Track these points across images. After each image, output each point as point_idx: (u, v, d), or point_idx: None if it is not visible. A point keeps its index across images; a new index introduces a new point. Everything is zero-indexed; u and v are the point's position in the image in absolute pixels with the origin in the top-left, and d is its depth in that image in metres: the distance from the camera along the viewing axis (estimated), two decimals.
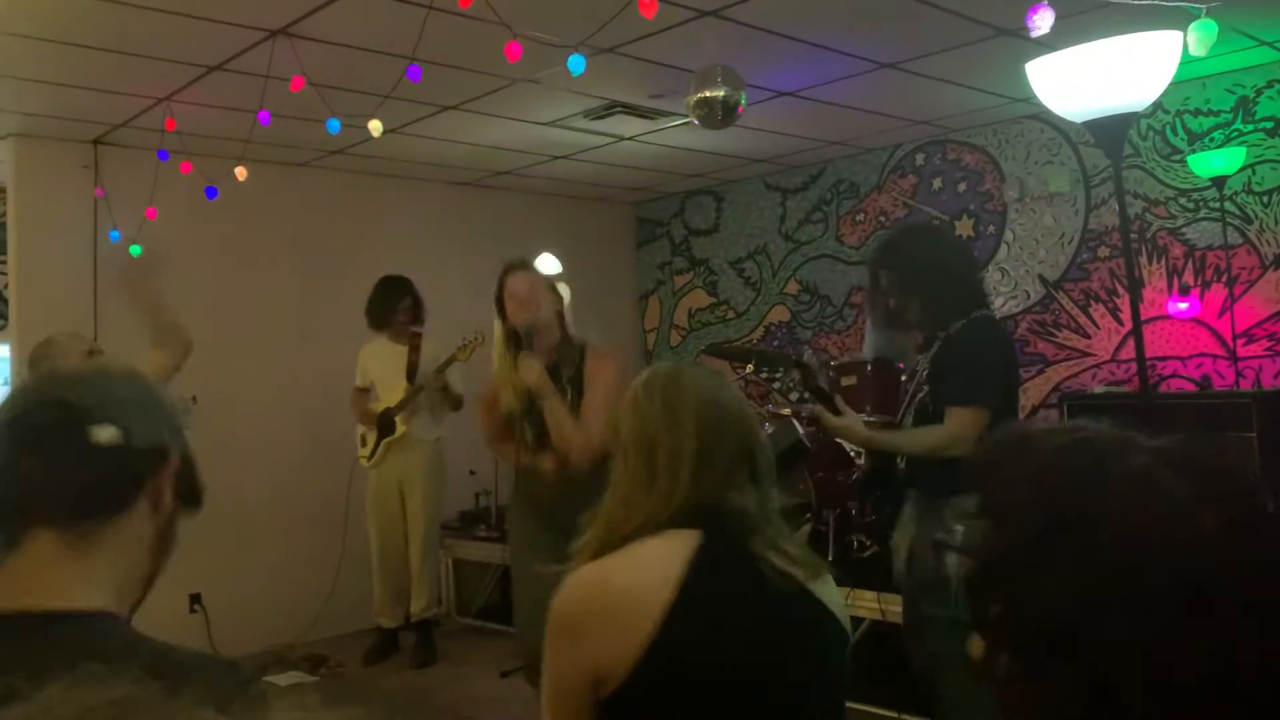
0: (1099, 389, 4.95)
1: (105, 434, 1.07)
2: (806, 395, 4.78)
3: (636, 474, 1.52)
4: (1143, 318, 4.42)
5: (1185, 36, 1.57)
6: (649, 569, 1.41)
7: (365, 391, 5.45)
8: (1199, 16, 1.60)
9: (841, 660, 1.54)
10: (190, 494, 1.19)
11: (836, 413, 2.94)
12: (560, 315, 3.56)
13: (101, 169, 5.27)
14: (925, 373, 2.93)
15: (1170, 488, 0.68)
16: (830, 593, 1.54)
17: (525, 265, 3.67)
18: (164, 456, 1.14)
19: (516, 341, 3.48)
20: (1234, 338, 4.71)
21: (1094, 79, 1.63)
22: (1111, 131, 1.70)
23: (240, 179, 4.20)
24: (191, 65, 4.13)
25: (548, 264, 6.51)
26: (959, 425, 2.74)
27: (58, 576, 1.06)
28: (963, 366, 2.80)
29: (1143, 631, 0.64)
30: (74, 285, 5.21)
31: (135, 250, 5.00)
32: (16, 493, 1.07)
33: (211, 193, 4.54)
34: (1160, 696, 0.64)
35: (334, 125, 3.73)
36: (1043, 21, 1.67)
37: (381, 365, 5.36)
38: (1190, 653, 0.63)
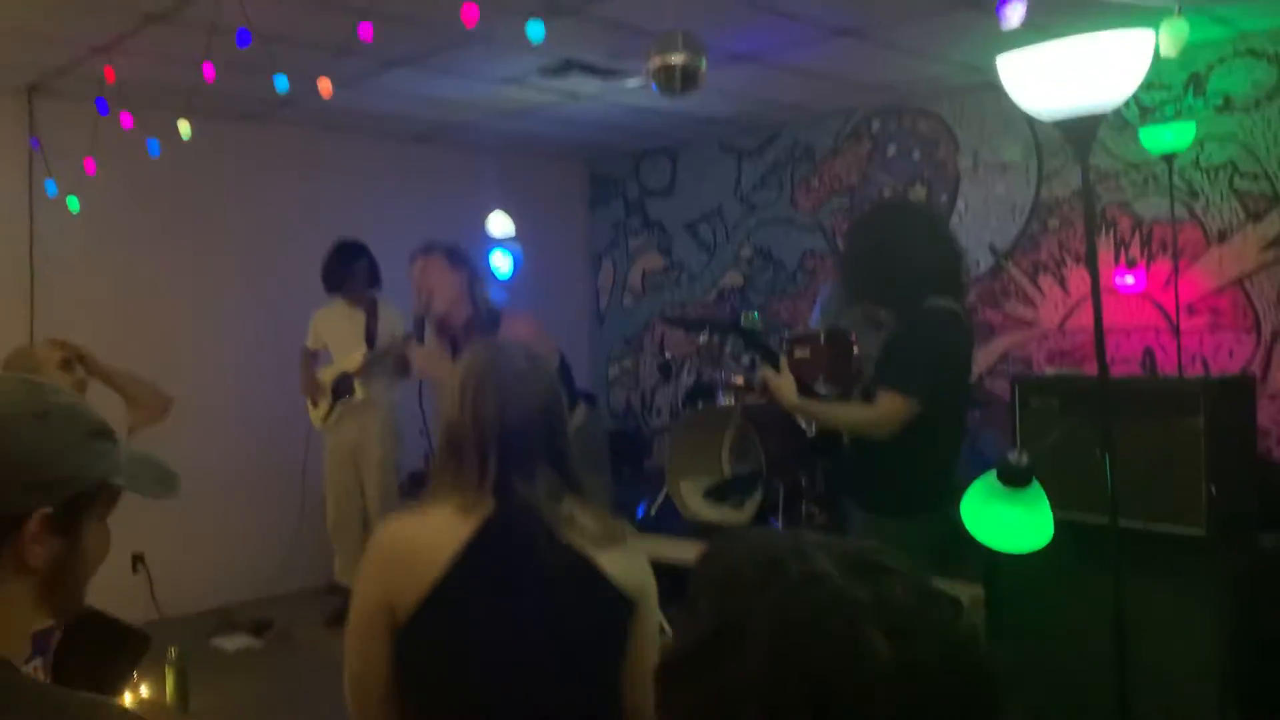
0: (1050, 371, 5.03)
1: None
2: (753, 359, 4.80)
3: (447, 460, 1.69)
4: (1088, 290, 4.50)
5: (1157, 35, 1.58)
6: (442, 530, 1.62)
7: (315, 354, 5.38)
8: (1169, 11, 1.60)
9: (619, 625, 1.68)
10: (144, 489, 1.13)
11: (777, 371, 3.03)
12: (469, 289, 3.69)
13: (36, 118, 5.07)
14: (876, 354, 2.97)
15: (846, 596, 0.69)
16: (624, 562, 1.67)
17: (424, 251, 3.77)
18: (15, 522, 1.03)
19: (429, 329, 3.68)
20: (1177, 312, 4.80)
21: (1066, 78, 1.62)
22: (1081, 131, 1.70)
23: (185, 136, 4.05)
24: (131, 12, 3.97)
25: (500, 223, 6.43)
26: (886, 408, 2.78)
27: None
28: (905, 353, 2.83)
29: None
30: (8, 236, 5.04)
31: (73, 203, 4.84)
32: None
33: (154, 147, 4.39)
34: None
35: (282, 83, 3.61)
36: (1014, 14, 1.66)
37: (337, 329, 5.30)
38: None
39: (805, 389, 3.09)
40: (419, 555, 1.61)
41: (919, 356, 2.81)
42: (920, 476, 2.84)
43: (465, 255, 3.80)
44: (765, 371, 3.08)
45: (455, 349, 3.78)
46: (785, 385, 3.01)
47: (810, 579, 0.70)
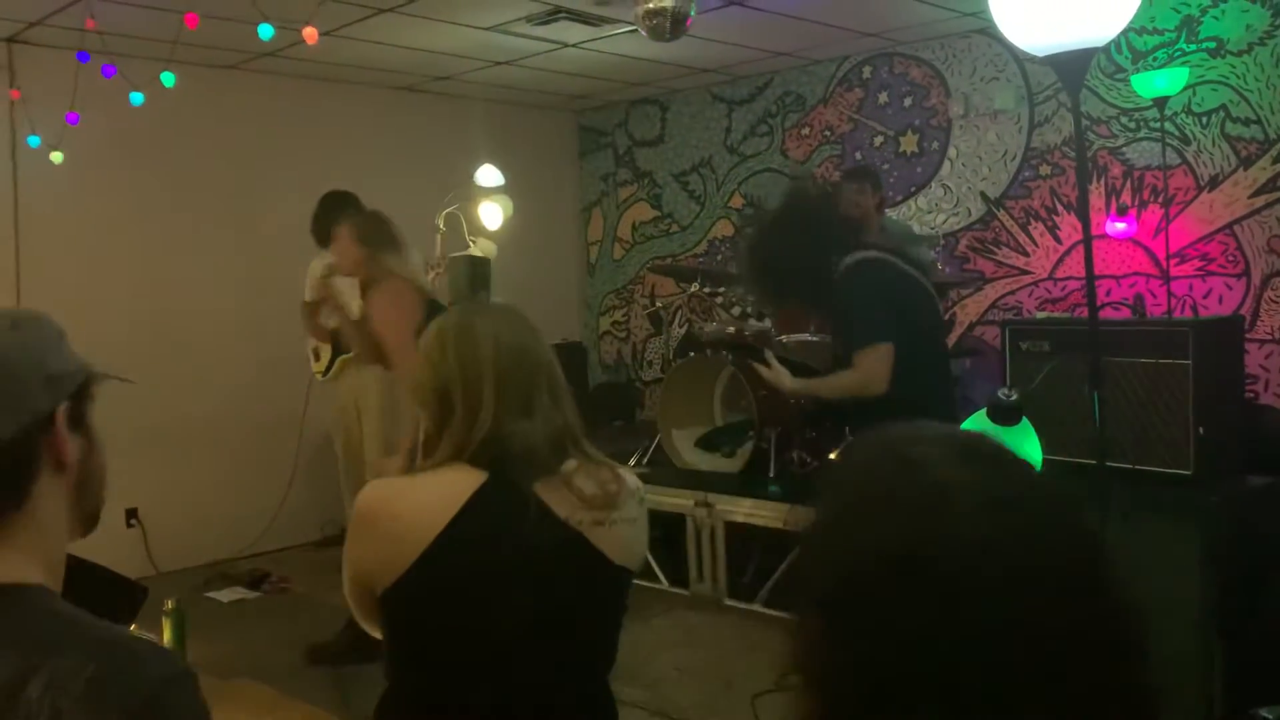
0: (1040, 315, 5.04)
1: None
2: (744, 309, 4.86)
3: (435, 421, 1.61)
4: (1080, 237, 4.50)
5: None
6: (430, 498, 1.55)
7: (315, 306, 5.36)
8: None
9: (608, 601, 1.64)
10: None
11: (767, 365, 3.29)
12: (363, 257, 3.97)
13: (17, 70, 4.99)
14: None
15: (946, 477, 0.75)
16: (621, 532, 1.60)
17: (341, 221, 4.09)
18: (46, 422, 1.05)
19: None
20: (1168, 258, 4.81)
21: (1058, 12, 1.61)
22: (1073, 68, 1.69)
23: (168, 85, 4.00)
24: None
25: (488, 175, 6.39)
26: (867, 365, 2.96)
27: None
28: (854, 310, 3.04)
29: (909, 621, 0.70)
30: None
31: (56, 156, 4.78)
32: None
33: (137, 98, 4.33)
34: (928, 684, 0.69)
35: (266, 31, 3.56)
36: None
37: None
38: (964, 642, 0.68)
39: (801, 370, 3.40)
40: (403, 524, 1.54)
41: (864, 308, 3.00)
42: (919, 399, 2.93)
43: (374, 231, 4.03)
44: (758, 368, 3.33)
45: None
46: (779, 374, 3.26)
47: (914, 461, 0.76)
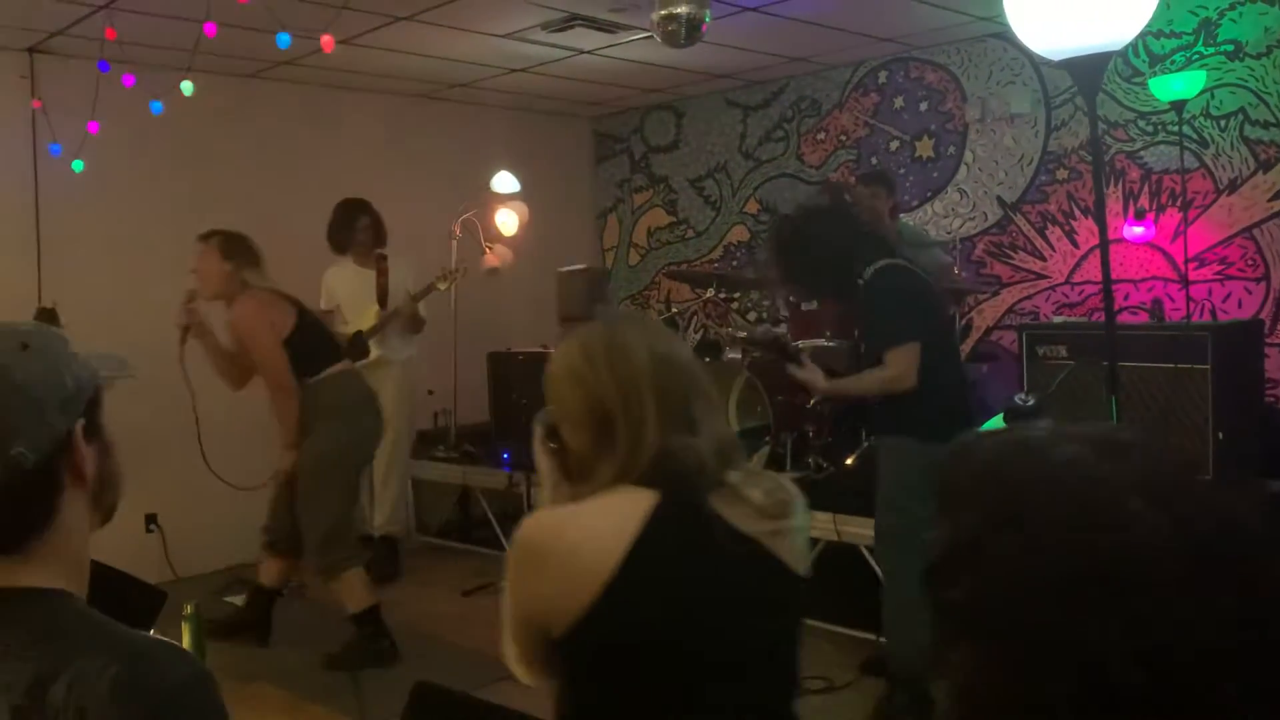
0: (1057, 319, 5.02)
1: None
2: (759, 315, 4.91)
3: (592, 445, 1.49)
4: (1097, 241, 4.47)
5: None
6: (604, 525, 1.41)
7: (330, 314, 5.40)
8: None
9: (794, 616, 1.56)
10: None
11: (802, 366, 3.39)
12: (228, 274, 3.98)
13: (38, 79, 5.05)
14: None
15: (1103, 474, 0.70)
16: (794, 540, 1.53)
17: (204, 237, 4.07)
18: (66, 441, 1.07)
19: None
20: (1186, 262, 4.78)
21: (1073, 16, 1.60)
22: (1088, 71, 1.68)
23: (186, 94, 4.04)
24: None
25: (504, 182, 6.42)
26: (895, 363, 3.15)
27: (3, 570, 1.04)
28: (882, 313, 3.24)
29: (1074, 619, 0.66)
30: (13, 198, 5.04)
31: (77, 164, 4.83)
32: None
33: (156, 107, 4.38)
34: (1092, 684, 0.65)
35: (284, 40, 3.59)
36: None
37: (348, 288, 5.32)
38: (1119, 640, 0.64)
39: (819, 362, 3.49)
40: (580, 557, 1.39)
41: (894, 309, 3.20)
42: (939, 396, 3.16)
43: (239, 248, 4.05)
44: (792, 370, 3.42)
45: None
46: (813, 376, 3.37)
47: (1065, 463, 0.71)
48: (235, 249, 4.02)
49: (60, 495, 1.07)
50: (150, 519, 5.28)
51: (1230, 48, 4.74)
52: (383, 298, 5.25)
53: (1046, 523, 0.69)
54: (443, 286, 5.24)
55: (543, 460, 1.62)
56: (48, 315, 4.56)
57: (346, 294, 5.34)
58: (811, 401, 4.17)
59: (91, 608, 1.07)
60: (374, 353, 5.24)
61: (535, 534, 1.45)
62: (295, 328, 4.05)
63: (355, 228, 5.24)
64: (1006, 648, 0.69)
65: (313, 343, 4.13)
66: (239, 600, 4.98)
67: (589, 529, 1.42)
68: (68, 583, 1.07)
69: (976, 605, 0.71)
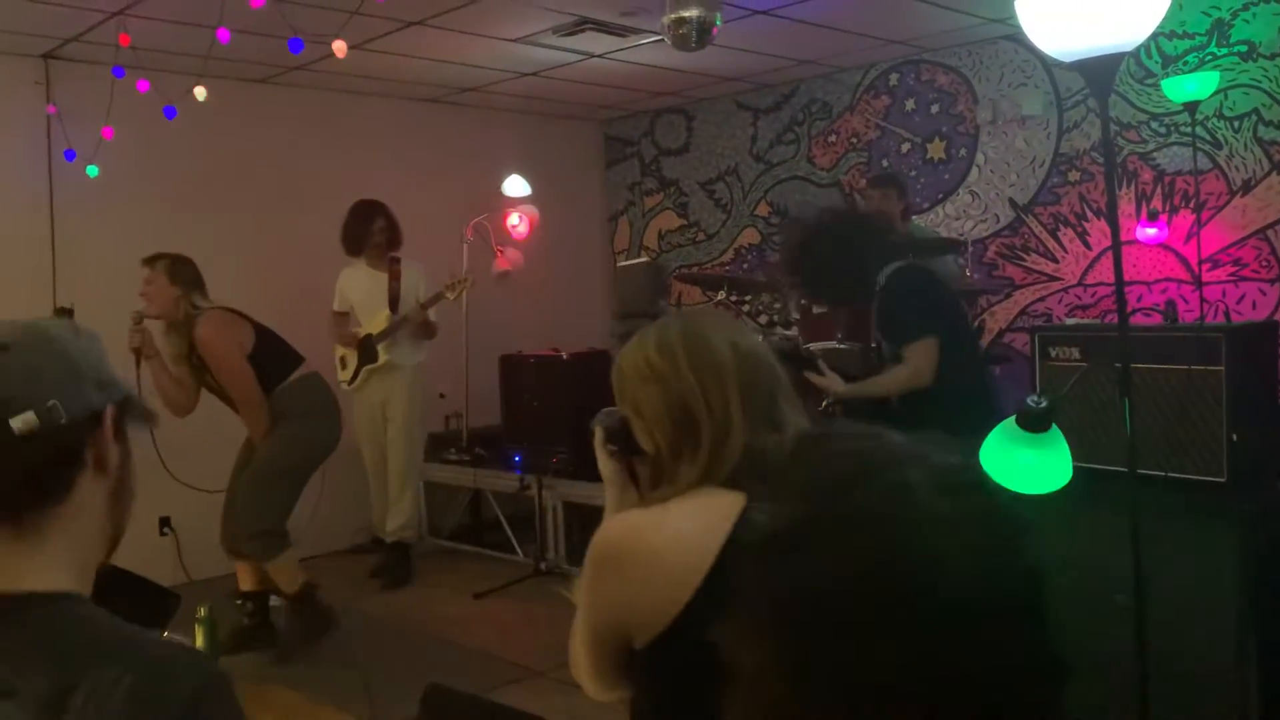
0: (1070, 321, 5.00)
1: (24, 423, 1.01)
2: (770, 318, 4.91)
3: (672, 446, 1.41)
4: (1110, 243, 4.45)
5: None
6: (692, 529, 1.32)
7: (344, 316, 5.42)
8: None
9: None
10: (140, 417, 1.17)
11: (820, 373, 3.47)
12: (177, 297, 4.08)
13: (54, 85, 5.08)
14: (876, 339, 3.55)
15: (925, 502, 0.70)
16: None
17: (150, 261, 4.15)
18: (96, 418, 1.08)
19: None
20: (1199, 263, 4.76)
21: (1085, 16, 1.60)
22: (1100, 72, 1.68)
23: (200, 99, 4.07)
24: None
25: (515, 185, 6.43)
26: (915, 359, 3.20)
27: (10, 565, 1.03)
28: (899, 311, 3.30)
29: (852, 640, 0.67)
30: (29, 204, 5.07)
31: (91, 169, 4.87)
32: None
33: (170, 113, 4.40)
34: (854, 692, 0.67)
35: (296, 45, 3.61)
36: None
37: (361, 291, 5.34)
38: (901, 662, 0.66)
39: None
40: (666, 562, 1.31)
41: (914, 306, 3.27)
42: (958, 396, 3.19)
43: (186, 272, 4.15)
44: (811, 376, 3.46)
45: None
46: (832, 382, 3.45)
47: (899, 486, 0.72)
48: (182, 273, 4.14)
49: (81, 473, 1.08)
50: (164, 522, 5.31)
51: (1244, 48, 4.72)
52: (393, 301, 5.26)
53: (841, 536, 0.70)
54: (450, 296, 5.24)
55: (605, 465, 1.55)
56: (65, 316, 4.59)
57: (359, 297, 5.35)
58: (823, 404, 4.16)
59: (101, 609, 1.06)
60: (382, 357, 5.25)
61: (616, 538, 1.38)
62: (255, 342, 4.19)
63: (370, 230, 5.26)
64: (799, 644, 0.69)
65: (274, 353, 4.26)
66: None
67: (675, 532, 1.33)
68: (76, 581, 1.07)
69: (778, 598, 0.72)
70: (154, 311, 4.12)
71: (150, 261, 4.16)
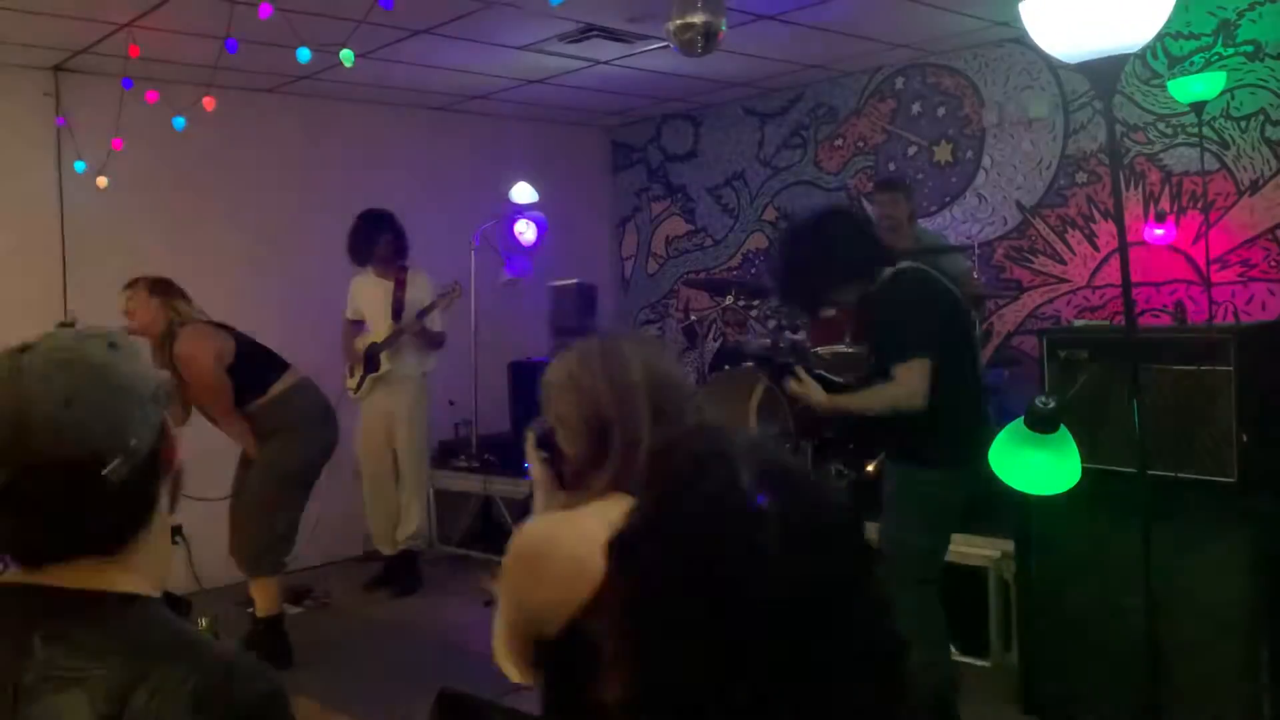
0: (1078, 323, 4.99)
1: (116, 473, 1.04)
2: (779, 323, 4.87)
3: (588, 453, 1.52)
4: (1117, 245, 4.45)
5: None
6: (595, 533, 1.40)
7: (357, 323, 5.43)
8: None
9: None
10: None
11: (799, 380, 3.28)
12: (158, 307, 4.12)
13: (63, 97, 5.12)
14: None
15: (751, 498, 0.75)
16: None
17: (131, 283, 4.20)
18: (163, 434, 1.13)
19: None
20: (1208, 264, 4.75)
21: (1089, 18, 1.60)
22: (1105, 74, 1.68)
23: (209, 109, 4.09)
24: None
25: (523, 192, 6.45)
26: (906, 380, 2.94)
27: (100, 574, 1.08)
28: (888, 326, 3.06)
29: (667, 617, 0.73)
30: (39, 214, 5.10)
31: (102, 181, 4.89)
32: (43, 540, 1.07)
33: (179, 122, 4.44)
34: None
35: (304, 55, 3.63)
36: None
37: (369, 299, 5.35)
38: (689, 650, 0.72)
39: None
40: (578, 562, 1.39)
41: (903, 322, 3.01)
42: (950, 420, 2.97)
43: (164, 286, 4.20)
44: (791, 384, 3.30)
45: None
46: (811, 390, 3.23)
47: (727, 485, 0.76)
48: (161, 286, 4.19)
49: (160, 482, 1.13)
50: (175, 530, 5.31)
51: (1250, 48, 4.71)
52: (397, 310, 5.26)
53: (678, 533, 0.75)
54: (442, 305, 5.25)
55: (535, 468, 1.66)
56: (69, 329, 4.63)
57: (369, 305, 5.36)
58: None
59: (176, 615, 1.11)
60: (385, 366, 5.25)
61: (534, 541, 1.50)
62: (236, 352, 4.20)
63: (377, 241, 5.26)
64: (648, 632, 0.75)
65: (256, 363, 4.27)
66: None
67: (582, 534, 1.42)
68: (152, 585, 1.12)
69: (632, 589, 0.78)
70: (137, 327, 4.12)
71: (129, 285, 4.22)
